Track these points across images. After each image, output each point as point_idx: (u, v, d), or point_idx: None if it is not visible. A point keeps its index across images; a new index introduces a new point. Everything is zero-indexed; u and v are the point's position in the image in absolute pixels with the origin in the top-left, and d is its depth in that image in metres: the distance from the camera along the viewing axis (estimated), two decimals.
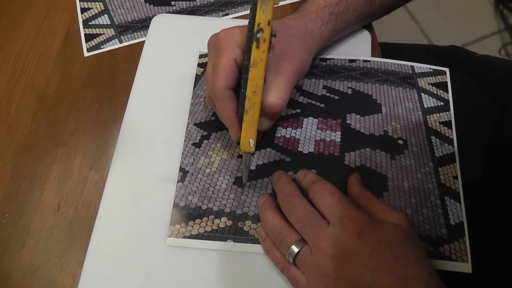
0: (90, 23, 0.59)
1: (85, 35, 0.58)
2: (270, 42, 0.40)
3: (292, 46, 0.46)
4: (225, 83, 0.41)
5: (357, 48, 0.56)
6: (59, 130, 0.52)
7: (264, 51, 0.39)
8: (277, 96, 0.43)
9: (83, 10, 0.60)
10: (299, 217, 0.39)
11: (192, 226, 0.44)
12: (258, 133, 0.46)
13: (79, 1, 0.61)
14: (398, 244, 0.37)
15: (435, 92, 0.53)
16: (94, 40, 0.58)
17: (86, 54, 0.57)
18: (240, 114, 0.41)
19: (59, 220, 0.46)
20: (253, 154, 0.43)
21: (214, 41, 0.44)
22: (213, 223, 0.44)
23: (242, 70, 0.41)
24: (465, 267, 0.42)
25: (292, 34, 0.47)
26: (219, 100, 0.42)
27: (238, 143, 0.43)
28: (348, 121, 0.50)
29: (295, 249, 0.39)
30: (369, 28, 0.57)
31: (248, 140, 0.41)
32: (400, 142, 0.49)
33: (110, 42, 0.57)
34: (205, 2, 0.61)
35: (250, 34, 0.40)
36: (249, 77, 0.40)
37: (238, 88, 0.42)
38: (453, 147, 0.49)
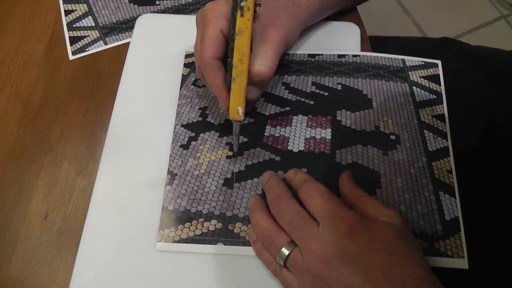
0: (74, 25, 0.58)
1: (70, 38, 0.57)
2: (255, 11, 0.41)
3: (279, 16, 0.46)
4: (212, 53, 0.42)
5: (346, 43, 0.55)
6: (45, 136, 0.51)
7: (248, 19, 0.40)
8: (263, 64, 0.43)
9: (67, 12, 0.59)
10: (288, 219, 0.39)
11: (182, 230, 0.43)
12: (249, 104, 0.47)
13: (63, 3, 0.60)
14: (390, 243, 0.36)
15: (427, 85, 0.52)
16: (79, 43, 0.57)
17: (71, 57, 0.56)
18: (228, 83, 0.42)
19: (47, 228, 0.46)
20: (242, 122, 0.44)
21: (201, 14, 0.45)
22: (203, 226, 0.43)
23: (229, 40, 0.42)
24: (462, 263, 0.41)
25: (279, 5, 0.47)
26: (207, 70, 0.43)
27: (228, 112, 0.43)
28: (338, 118, 0.49)
29: (285, 251, 0.38)
30: (358, 21, 0.56)
31: (237, 108, 0.42)
32: (392, 137, 0.48)
33: (95, 44, 0.56)
34: (190, 0, 0.60)
35: (235, 4, 0.40)
36: (235, 45, 0.40)
37: (226, 58, 0.42)
38: (447, 140, 0.48)
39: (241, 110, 0.42)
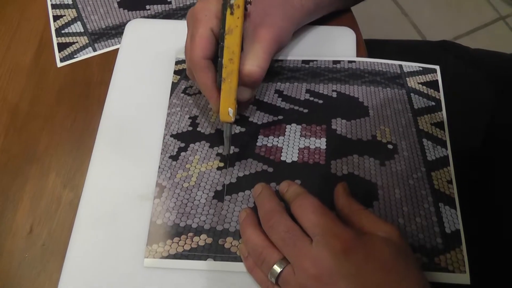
0: (63, 31, 0.57)
1: (58, 44, 0.56)
2: (246, 10, 0.40)
3: (270, 15, 0.45)
4: (202, 53, 0.41)
5: (341, 48, 0.53)
6: (32, 147, 0.49)
7: (238, 18, 0.39)
8: (254, 64, 0.42)
9: (56, 17, 0.58)
10: (280, 235, 0.37)
11: (170, 245, 0.41)
12: (241, 106, 0.46)
13: (52, 9, 0.58)
14: (387, 260, 0.34)
15: (425, 91, 0.50)
16: (67, 49, 0.55)
17: (59, 64, 0.54)
18: (219, 83, 0.41)
19: (32, 242, 0.44)
20: (233, 123, 0.43)
21: (191, 13, 0.44)
22: (192, 241, 0.41)
23: (219, 40, 0.41)
24: (463, 279, 0.40)
25: (271, 3, 0.46)
26: (197, 71, 0.42)
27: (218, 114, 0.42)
28: (333, 127, 0.47)
29: (277, 269, 0.36)
30: (353, 25, 0.54)
31: (227, 109, 0.41)
32: (390, 146, 0.46)
33: (83, 51, 0.55)
34: (181, 5, 0.59)
35: (224, 1, 0.39)
36: (225, 44, 0.39)
37: (217, 58, 0.41)
38: (447, 149, 0.46)
39: (231, 111, 0.41)
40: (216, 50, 0.42)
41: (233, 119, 0.41)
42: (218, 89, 0.42)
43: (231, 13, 0.39)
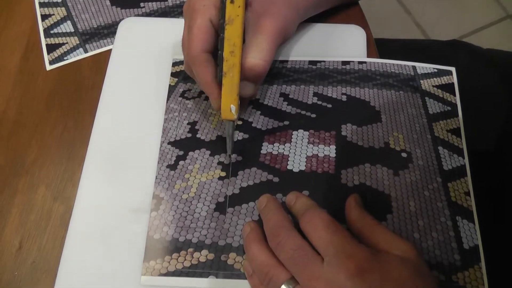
0: (52, 31, 0.54)
1: (47, 45, 0.53)
2: None
3: (274, 3, 0.43)
4: (200, 45, 0.39)
5: (351, 48, 0.50)
6: (20, 157, 0.46)
7: (239, 6, 0.37)
8: (257, 57, 0.40)
9: (44, 17, 0.54)
10: (288, 254, 0.34)
11: (169, 262, 0.39)
12: (243, 102, 0.44)
13: (40, 7, 0.55)
14: (405, 282, 0.32)
15: (440, 95, 0.47)
16: (57, 51, 0.52)
17: (48, 67, 0.52)
18: (219, 78, 0.39)
19: (21, 260, 0.42)
20: (235, 121, 0.41)
21: (189, 4, 0.42)
22: (193, 257, 0.39)
23: (218, 31, 0.39)
24: None
25: None
26: (195, 65, 0.40)
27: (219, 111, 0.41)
28: (343, 133, 0.44)
29: None
30: (363, 23, 0.52)
31: (229, 106, 0.39)
32: (404, 155, 0.43)
33: (74, 52, 0.52)
34: (178, 2, 0.56)
35: None
36: (225, 36, 0.37)
37: (217, 51, 0.39)
38: (463, 158, 0.43)
39: (234, 108, 0.39)
40: (216, 42, 0.40)
41: (235, 117, 0.39)
42: (219, 84, 0.39)
43: (231, 2, 0.37)
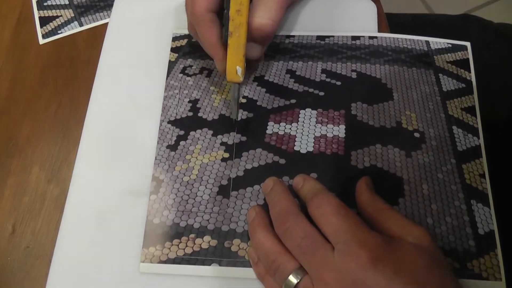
0: (45, 3, 0.52)
1: (40, 18, 0.51)
2: None
3: None
4: (205, 4, 0.38)
5: (361, 22, 0.48)
6: (13, 136, 0.45)
7: None
8: (265, 16, 0.39)
9: None
10: (296, 242, 0.32)
11: (169, 248, 0.37)
12: (249, 66, 0.42)
13: None
14: (420, 271, 0.30)
15: (455, 72, 0.45)
16: (50, 24, 0.50)
17: (41, 41, 0.49)
18: (225, 38, 0.38)
19: (15, 245, 0.40)
20: (241, 84, 0.40)
21: None
22: (194, 244, 0.37)
23: None
24: (499, 287, 0.35)
25: None
26: (199, 25, 0.39)
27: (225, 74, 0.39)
28: (353, 112, 0.42)
29: (293, 280, 0.32)
30: None
31: (235, 68, 0.38)
32: (416, 135, 0.41)
33: (68, 26, 0.50)
34: None
35: None
36: None
37: (222, 11, 0.38)
38: (478, 138, 0.41)
39: (240, 70, 0.38)
40: (221, 1, 0.38)
41: (241, 79, 0.38)
42: (224, 45, 0.38)
43: None
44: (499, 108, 0.53)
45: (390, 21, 0.51)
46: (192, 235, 0.37)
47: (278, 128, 0.42)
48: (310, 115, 0.42)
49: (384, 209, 0.35)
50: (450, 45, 0.46)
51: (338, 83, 0.44)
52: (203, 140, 0.41)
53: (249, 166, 0.40)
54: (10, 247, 0.40)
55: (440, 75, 0.44)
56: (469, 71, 0.45)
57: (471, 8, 1.43)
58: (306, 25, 0.48)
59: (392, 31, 0.47)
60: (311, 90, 0.44)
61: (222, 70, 0.39)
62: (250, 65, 0.42)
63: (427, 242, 0.32)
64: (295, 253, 0.33)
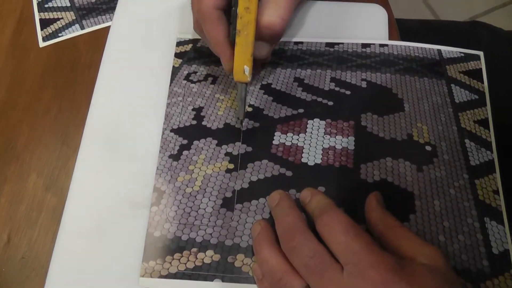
0: (46, 5, 0.51)
1: (41, 20, 0.49)
2: None
3: None
4: (213, 1, 0.37)
5: (371, 29, 0.46)
6: (11, 141, 0.43)
7: None
8: (274, 15, 0.37)
9: None
10: (304, 261, 0.31)
11: (170, 263, 0.36)
12: (257, 65, 0.42)
13: None
14: None
15: (467, 82, 0.43)
16: (51, 26, 0.49)
17: (41, 44, 0.48)
18: (232, 37, 0.37)
19: (10, 255, 0.39)
20: (248, 84, 0.39)
21: None
22: (196, 258, 0.36)
23: None
24: None
25: None
26: (206, 23, 0.38)
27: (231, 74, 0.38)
28: (363, 123, 0.41)
29: None
30: (384, 2, 0.48)
31: (243, 67, 0.37)
32: (428, 148, 0.40)
33: (70, 29, 0.49)
34: None
35: None
36: None
37: (230, 8, 0.37)
38: (492, 152, 0.40)
39: (247, 69, 0.37)
40: None
41: (249, 79, 0.37)
42: (231, 44, 0.37)
43: None
44: (509, 115, 0.52)
45: (399, 27, 0.50)
46: (194, 249, 0.36)
47: (285, 139, 0.40)
48: (319, 126, 0.41)
49: (395, 227, 0.33)
50: (462, 55, 0.45)
51: (348, 92, 0.43)
52: (207, 150, 0.40)
53: (254, 178, 0.39)
54: (5, 257, 0.39)
55: (453, 85, 0.43)
56: (482, 82, 0.43)
57: (477, 14, 1.41)
58: (315, 32, 0.47)
59: (403, 38, 0.46)
60: (319, 99, 0.42)
61: (229, 69, 0.38)
62: (257, 64, 0.42)
63: (440, 262, 0.31)
64: (302, 273, 0.31)
